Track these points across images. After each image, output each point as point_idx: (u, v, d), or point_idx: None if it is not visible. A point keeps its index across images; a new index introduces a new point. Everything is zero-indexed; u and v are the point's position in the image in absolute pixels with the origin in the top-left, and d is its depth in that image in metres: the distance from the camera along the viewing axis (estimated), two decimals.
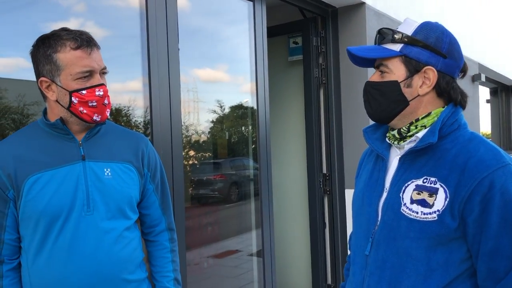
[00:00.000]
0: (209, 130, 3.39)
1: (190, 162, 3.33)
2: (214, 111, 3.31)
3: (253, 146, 3.68)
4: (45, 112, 1.52)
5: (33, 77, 1.67)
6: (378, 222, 1.29)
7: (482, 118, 7.31)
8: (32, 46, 1.46)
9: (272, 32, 3.37)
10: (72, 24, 2.07)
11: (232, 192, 3.75)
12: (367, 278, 1.29)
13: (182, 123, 2.89)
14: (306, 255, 4.12)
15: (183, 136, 3.05)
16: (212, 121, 3.33)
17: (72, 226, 1.41)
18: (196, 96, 3.17)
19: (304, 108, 4.06)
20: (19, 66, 2.14)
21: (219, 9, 3.18)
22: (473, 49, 6.66)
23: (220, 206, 3.60)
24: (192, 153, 3.35)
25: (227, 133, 3.62)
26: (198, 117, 3.23)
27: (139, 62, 2.31)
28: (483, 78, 6.70)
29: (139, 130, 2.43)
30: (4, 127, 2.06)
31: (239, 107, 3.55)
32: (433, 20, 1.36)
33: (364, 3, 3.70)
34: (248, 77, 3.33)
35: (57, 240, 1.41)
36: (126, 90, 2.36)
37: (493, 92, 9.66)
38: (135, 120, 2.44)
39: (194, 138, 3.28)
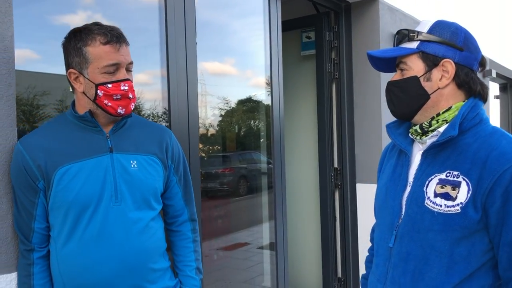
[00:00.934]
0: (218, 123, 3.40)
1: (199, 155, 3.38)
2: (225, 104, 3.33)
3: (262, 140, 3.72)
4: (73, 104, 1.55)
5: (41, 69, 1.71)
6: (402, 216, 1.32)
7: (492, 114, 7.30)
8: (64, 38, 1.49)
9: (285, 26, 3.39)
10: (82, 17, 2.10)
11: (240, 185, 3.77)
12: (391, 270, 1.32)
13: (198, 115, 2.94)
14: (316, 248, 4.15)
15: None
16: (221, 115, 3.35)
17: (101, 216, 1.45)
18: (205, 89, 3.21)
19: (316, 102, 4.08)
20: (27, 57, 2.16)
21: (235, 2, 3.20)
22: (484, 44, 6.65)
23: (229, 200, 3.62)
24: (200, 146, 3.39)
25: (236, 126, 3.64)
26: (207, 111, 3.26)
27: (157, 55, 2.34)
28: (494, 74, 6.69)
29: (157, 122, 2.46)
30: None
31: (249, 100, 3.57)
32: (446, 16, 1.39)
33: None
34: (259, 70, 3.35)
35: (86, 229, 1.44)
36: (143, 83, 2.40)
37: (503, 88, 9.62)
38: (152, 113, 2.47)
39: (203, 131, 3.31)
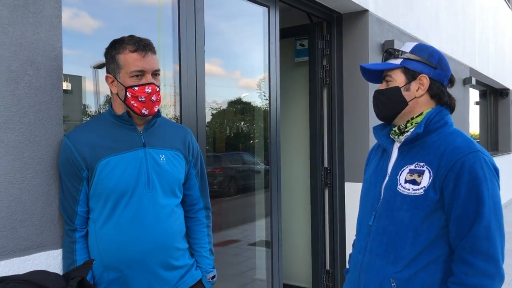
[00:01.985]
0: (210, 123, 3.52)
1: None
2: (218, 105, 3.47)
3: (252, 141, 3.91)
4: (110, 105, 1.79)
5: None
6: (381, 199, 1.63)
7: (471, 119, 7.65)
8: (105, 49, 1.74)
9: (281, 34, 3.60)
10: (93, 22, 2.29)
11: (231, 185, 3.90)
12: (370, 243, 1.63)
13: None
14: (306, 242, 4.40)
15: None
16: (212, 115, 3.47)
17: (136, 201, 1.69)
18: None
19: (308, 106, 4.33)
20: None
21: (238, 12, 3.43)
22: (465, 53, 7.00)
23: (220, 199, 3.75)
24: None
25: (227, 127, 3.79)
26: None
27: (171, 65, 2.59)
28: (473, 82, 7.04)
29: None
30: None
31: (240, 102, 3.74)
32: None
33: (367, 10, 3.99)
34: (252, 73, 3.54)
35: (123, 212, 1.68)
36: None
37: (482, 95, 10.04)
38: (166, 114, 2.70)
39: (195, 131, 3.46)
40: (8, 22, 1.55)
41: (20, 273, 1.49)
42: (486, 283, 1.41)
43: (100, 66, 2.62)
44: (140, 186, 1.70)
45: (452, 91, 1.70)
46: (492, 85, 9.25)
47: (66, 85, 2.42)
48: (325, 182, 4.28)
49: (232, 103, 3.72)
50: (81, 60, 2.23)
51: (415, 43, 1.66)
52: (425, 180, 1.51)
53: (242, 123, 3.87)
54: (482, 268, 1.42)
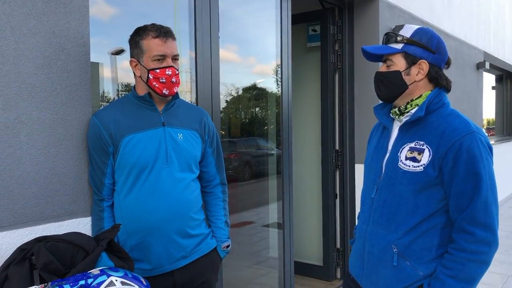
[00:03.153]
0: (226, 109, 3.62)
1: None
2: (233, 91, 3.59)
3: (266, 127, 4.03)
4: (134, 87, 1.96)
5: None
6: (382, 174, 1.76)
7: (488, 104, 7.65)
8: (130, 36, 1.91)
9: (293, 20, 3.69)
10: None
11: (246, 170, 4.03)
12: (372, 213, 1.78)
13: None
14: (318, 222, 4.56)
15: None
16: (226, 101, 3.57)
17: (155, 174, 1.87)
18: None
19: (320, 90, 4.45)
20: None
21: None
22: (479, 37, 7.00)
23: (235, 183, 3.87)
24: None
25: (242, 113, 3.91)
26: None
27: (187, 52, 2.74)
28: (487, 66, 7.05)
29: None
30: None
31: (256, 87, 3.83)
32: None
33: None
34: (267, 59, 3.62)
35: (144, 184, 1.86)
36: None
37: (499, 80, 9.99)
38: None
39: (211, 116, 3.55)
40: (43, 12, 1.73)
41: None
42: (484, 250, 1.56)
43: (118, 53, 2.76)
44: (159, 161, 1.87)
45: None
46: (508, 70, 9.20)
47: (106, 72, 2.56)
48: (336, 164, 4.42)
49: (247, 89, 3.81)
50: (98, 47, 2.33)
51: (416, 27, 1.75)
52: (425, 158, 1.64)
53: (257, 108, 3.96)
54: (481, 236, 1.56)
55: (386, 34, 1.79)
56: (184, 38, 2.72)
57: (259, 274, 3.88)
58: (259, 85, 3.79)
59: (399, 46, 1.74)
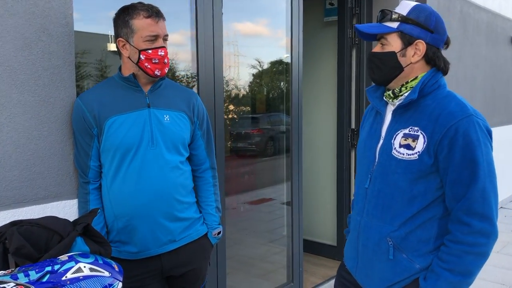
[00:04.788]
0: (248, 84, 3.62)
1: (230, 116, 3.65)
2: (254, 66, 3.53)
3: (289, 103, 3.93)
4: (119, 69, 1.93)
5: (82, 28, 2.05)
6: (376, 163, 1.66)
7: None
8: (115, 14, 1.85)
9: None
10: None
11: (268, 146, 4.01)
12: (366, 204, 1.68)
13: (223, 78, 3.23)
14: (332, 203, 4.51)
15: (224, 90, 3.38)
16: (252, 75, 3.54)
17: (140, 156, 1.84)
18: (236, 50, 3.44)
19: (336, 66, 4.32)
20: (74, 18, 2.36)
21: None
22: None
23: (256, 159, 3.89)
24: (231, 107, 3.63)
25: (265, 88, 3.85)
26: (239, 72, 3.49)
27: (187, 24, 2.68)
28: None
29: (188, 81, 2.82)
30: None
31: (279, 62, 3.73)
32: None
33: None
34: (288, 32, 3.51)
35: (129, 166, 1.84)
36: (176, 46, 2.73)
37: None
38: (186, 74, 2.82)
39: (234, 92, 3.56)
40: None
41: None
42: (481, 241, 1.47)
43: None
44: (144, 143, 1.84)
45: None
46: None
47: (113, 46, 2.56)
48: (352, 143, 4.32)
49: (273, 64, 3.74)
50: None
51: (413, 4, 1.61)
52: (420, 145, 1.53)
53: (282, 83, 3.88)
54: (478, 227, 1.47)
55: (381, 11, 1.66)
56: (185, 12, 2.65)
57: (272, 252, 3.88)
58: (285, 60, 3.69)
59: (394, 24, 1.60)
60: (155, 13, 1.81)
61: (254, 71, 3.56)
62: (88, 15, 1.94)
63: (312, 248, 4.66)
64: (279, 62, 3.73)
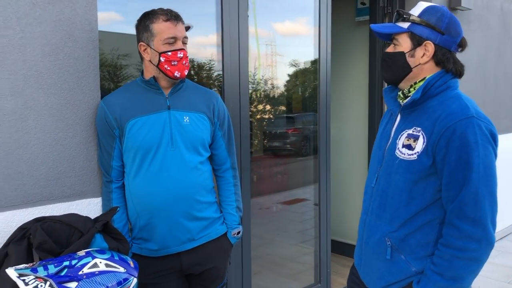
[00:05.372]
0: (284, 84, 3.63)
1: (266, 116, 3.68)
2: (290, 65, 3.54)
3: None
4: (142, 72, 2.00)
5: (125, 30, 2.11)
6: (383, 163, 1.66)
7: None
8: (137, 20, 1.93)
9: None
10: None
11: (303, 146, 4.01)
12: (372, 203, 1.70)
13: (261, 77, 3.26)
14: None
15: (260, 90, 3.41)
16: (288, 75, 3.55)
17: (160, 157, 1.90)
18: (274, 50, 3.46)
19: (368, 67, 4.28)
20: (112, 19, 2.38)
21: None
22: None
23: (291, 158, 3.90)
24: (267, 107, 3.64)
25: (300, 88, 3.84)
26: (275, 72, 3.48)
27: (213, 25, 2.73)
28: None
29: (213, 84, 2.88)
30: (101, 78, 2.52)
31: (314, 62, 3.68)
32: None
33: None
34: (316, 31, 3.48)
35: (150, 166, 1.90)
36: (204, 47, 2.79)
37: None
38: (210, 75, 2.88)
39: (271, 92, 3.57)
40: (48, 1, 1.79)
41: None
42: (471, 246, 1.44)
43: (185, 29, 2.81)
44: (164, 144, 1.90)
45: None
46: None
47: None
48: None
49: (307, 64, 3.74)
50: None
51: (427, 5, 1.61)
52: (419, 145, 1.53)
53: (317, 83, 3.90)
54: (468, 231, 1.44)
55: (397, 11, 1.67)
56: (211, 14, 2.71)
57: (303, 253, 3.89)
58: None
59: (405, 25, 1.61)
60: (173, 17, 1.87)
61: (291, 70, 3.57)
62: (132, 17, 2.03)
63: (342, 249, 4.63)
64: (314, 62, 3.70)
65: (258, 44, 3.30)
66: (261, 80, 3.44)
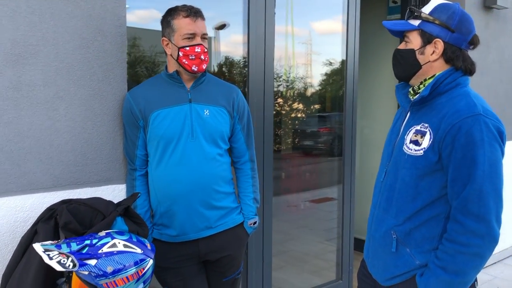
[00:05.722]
0: (318, 83, 3.67)
1: (299, 115, 3.74)
2: (325, 64, 3.58)
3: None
4: (166, 66, 2.09)
5: None
6: (392, 158, 1.70)
7: None
8: (162, 16, 2.02)
9: None
10: None
11: (334, 145, 4.00)
12: (380, 197, 1.73)
13: (295, 76, 3.31)
14: None
15: (294, 88, 3.47)
16: (326, 74, 3.58)
17: (181, 147, 1.99)
18: (310, 48, 3.49)
19: None
20: (152, 17, 2.52)
21: None
22: None
23: (322, 158, 3.93)
24: (300, 106, 3.68)
25: (333, 87, 3.85)
26: (310, 70, 3.53)
27: (240, 24, 2.80)
28: None
29: (238, 80, 2.95)
30: (139, 74, 2.66)
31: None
32: None
33: None
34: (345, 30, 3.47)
35: (171, 156, 1.99)
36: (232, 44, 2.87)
37: None
38: (241, 72, 2.95)
39: (304, 91, 3.62)
40: None
41: None
42: (475, 242, 1.45)
43: (221, 27, 2.90)
44: (184, 135, 1.99)
45: None
46: None
47: None
48: None
49: (342, 63, 3.72)
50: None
51: (438, 3, 1.62)
52: (426, 141, 1.56)
53: (337, 82, 3.86)
54: (472, 227, 1.46)
55: (409, 8, 1.69)
56: (237, 15, 2.78)
57: (327, 250, 3.93)
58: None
59: (416, 22, 1.63)
60: (193, 13, 1.95)
61: (325, 69, 3.59)
62: None
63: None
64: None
65: (294, 43, 3.36)
66: (295, 78, 3.49)
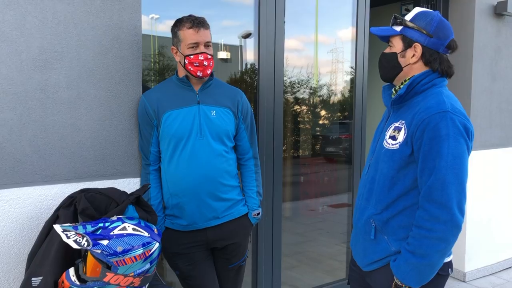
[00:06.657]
0: (341, 90, 3.79)
1: (322, 122, 3.85)
2: (349, 72, 3.70)
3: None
4: (176, 71, 2.29)
5: None
6: (374, 153, 1.84)
7: None
8: (171, 26, 2.23)
9: None
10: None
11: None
12: (363, 189, 1.88)
13: (317, 83, 3.45)
14: None
15: (316, 95, 3.61)
16: (347, 81, 3.68)
17: (190, 145, 2.18)
18: (334, 56, 3.61)
19: None
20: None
21: None
22: None
23: (345, 164, 3.99)
24: (323, 113, 3.80)
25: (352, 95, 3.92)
26: (336, 78, 3.65)
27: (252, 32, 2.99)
28: None
29: (251, 85, 3.13)
30: (161, 79, 2.82)
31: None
32: None
33: None
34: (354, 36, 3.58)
35: (181, 153, 2.18)
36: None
37: None
38: (247, 78, 3.13)
39: (326, 98, 3.75)
40: (100, 9, 2.13)
41: None
42: (437, 227, 1.59)
43: (246, 36, 3.09)
44: (193, 134, 2.18)
45: None
46: None
47: (226, 54, 3.00)
48: None
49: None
50: (230, 30, 2.50)
51: (419, 10, 1.78)
52: (401, 136, 1.71)
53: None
54: (435, 214, 1.59)
55: (394, 15, 1.85)
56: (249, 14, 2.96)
57: (343, 252, 4.03)
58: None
59: (399, 28, 1.79)
60: (196, 24, 2.14)
61: (348, 77, 3.71)
62: None
63: None
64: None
65: (317, 50, 3.50)
66: (318, 85, 3.63)
